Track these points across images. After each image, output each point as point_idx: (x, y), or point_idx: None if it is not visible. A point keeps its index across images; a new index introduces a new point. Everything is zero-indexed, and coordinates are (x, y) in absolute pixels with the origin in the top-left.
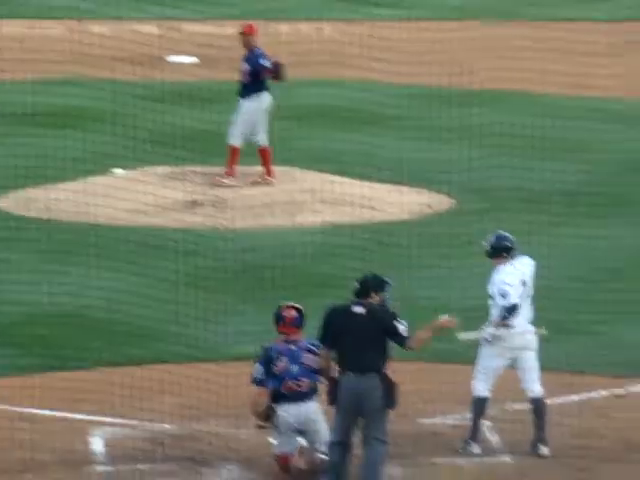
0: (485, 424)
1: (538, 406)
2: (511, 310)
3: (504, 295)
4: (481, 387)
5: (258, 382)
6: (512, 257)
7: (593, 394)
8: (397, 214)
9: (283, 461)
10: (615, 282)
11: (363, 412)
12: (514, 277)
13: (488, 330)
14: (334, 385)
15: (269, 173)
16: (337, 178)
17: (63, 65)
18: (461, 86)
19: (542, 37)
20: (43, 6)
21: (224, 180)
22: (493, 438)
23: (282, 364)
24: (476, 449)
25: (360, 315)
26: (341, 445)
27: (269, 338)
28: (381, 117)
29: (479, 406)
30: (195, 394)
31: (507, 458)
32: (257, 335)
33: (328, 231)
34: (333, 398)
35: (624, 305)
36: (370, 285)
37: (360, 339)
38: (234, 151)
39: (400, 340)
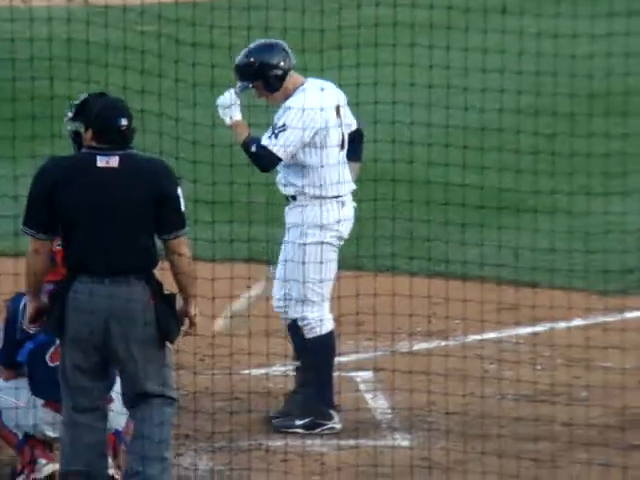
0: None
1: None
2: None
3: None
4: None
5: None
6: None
7: None
8: None
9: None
10: None
11: (112, 346)
12: (307, 113)
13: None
14: (55, 300)
15: None
16: None
17: None
18: None
19: None
20: None
21: None
22: (377, 403)
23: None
24: (337, 421)
25: (112, 172)
26: (92, 410)
27: None
28: None
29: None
30: None
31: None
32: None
33: (78, 15)
34: (56, 321)
35: None
36: (129, 116)
37: (111, 216)
38: None
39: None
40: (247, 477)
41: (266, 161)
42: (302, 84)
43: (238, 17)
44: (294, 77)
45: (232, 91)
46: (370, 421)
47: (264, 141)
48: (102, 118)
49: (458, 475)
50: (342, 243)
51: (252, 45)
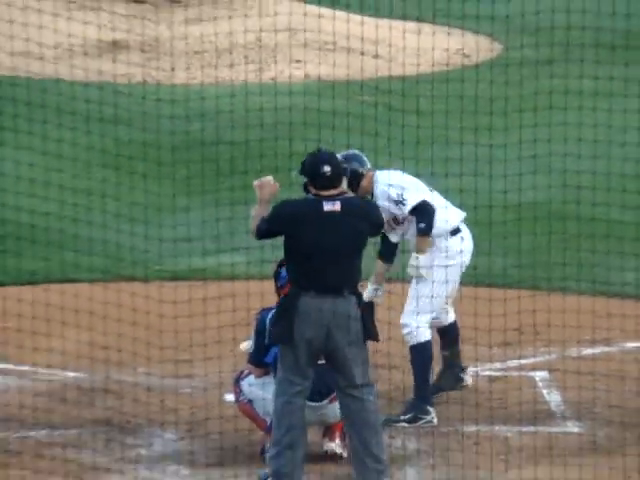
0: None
1: (456, 331)
2: (424, 210)
3: (401, 202)
4: (426, 326)
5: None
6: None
7: None
8: (415, 65)
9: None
10: None
11: (333, 348)
12: (395, 176)
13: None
14: (283, 313)
15: None
16: (327, 11)
17: None
18: None
19: None
20: None
21: None
22: (551, 397)
23: None
24: (434, 416)
25: (335, 214)
26: (302, 393)
27: (223, 248)
28: None
29: (427, 354)
30: (114, 327)
31: (573, 426)
32: (205, 242)
33: (313, 90)
34: (285, 331)
35: None
36: (342, 168)
37: (333, 247)
38: None
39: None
40: (446, 457)
41: (429, 211)
42: (373, 176)
43: (438, 88)
44: (367, 175)
45: None
46: (546, 412)
47: (410, 206)
48: (311, 168)
49: (619, 456)
50: (463, 270)
51: (339, 155)
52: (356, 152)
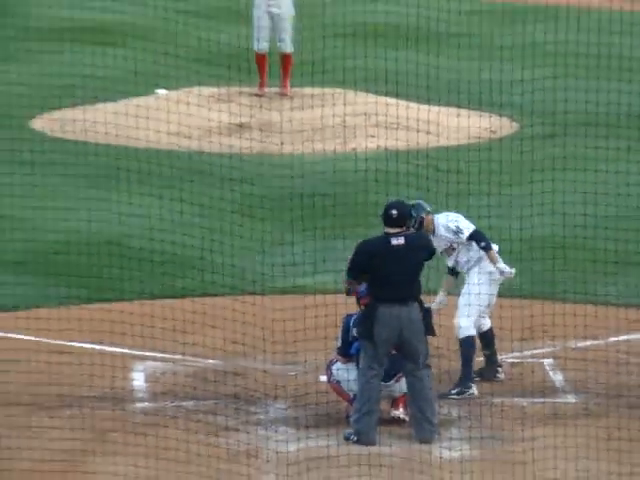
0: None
1: (492, 335)
2: (480, 235)
3: (459, 231)
4: (472, 326)
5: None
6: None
7: None
8: (456, 138)
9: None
10: None
11: (404, 341)
12: (452, 215)
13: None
14: (365, 318)
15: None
16: (392, 100)
17: None
18: (523, 2)
19: None
20: None
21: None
22: (555, 377)
23: None
24: (475, 390)
25: (401, 246)
26: (378, 376)
27: (319, 270)
28: (439, 35)
29: (472, 345)
30: (240, 328)
31: (571, 398)
32: (306, 267)
33: (382, 157)
34: (368, 331)
35: None
36: (407, 212)
37: (401, 269)
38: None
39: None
40: (479, 420)
41: (483, 234)
42: (433, 218)
43: (473, 155)
44: (428, 218)
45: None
46: (551, 388)
47: (468, 234)
48: (384, 212)
49: (603, 418)
50: (500, 284)
51: (412, 202)
52: (420, 201)
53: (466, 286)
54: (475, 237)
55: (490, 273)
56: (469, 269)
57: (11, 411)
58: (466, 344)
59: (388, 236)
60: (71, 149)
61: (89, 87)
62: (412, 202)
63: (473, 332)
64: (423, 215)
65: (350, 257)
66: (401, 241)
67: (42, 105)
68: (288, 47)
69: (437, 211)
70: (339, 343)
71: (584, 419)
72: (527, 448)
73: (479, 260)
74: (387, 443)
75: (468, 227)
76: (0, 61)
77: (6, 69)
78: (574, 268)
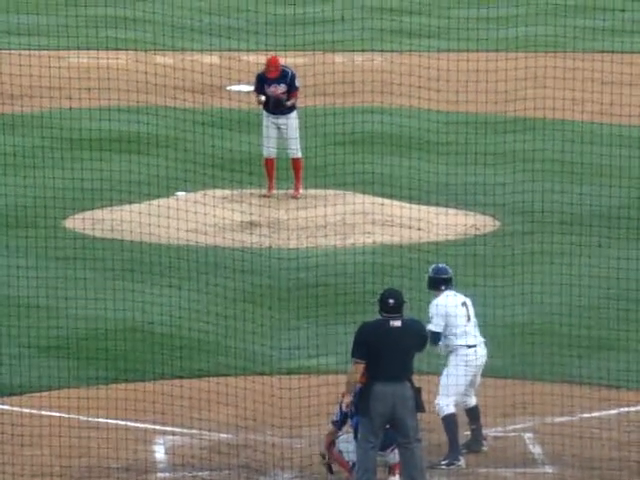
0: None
1: (478, 412)
2: (432, 337)
3: (429, 321)
4: (451, 404)
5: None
6: (448, 288)
7: (632, 409)
8: (444, 235)
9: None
10: None
11: (396, 417)
12: (441, 307)
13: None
14: (363, 395)
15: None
16: (387, 201)
17: (128, 94)
18: (503, 113)
19: (582, 67)
20: (109, 37)
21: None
22: (535, 450)
23: None
24: (463, 462)
25: (397, 328)
26: (374, 448)
27: (322, 353)
28: (429, 143)
29: (453, 422)
30: (251, 405)
31: (549, 469)
32: (310, 350)
33: (378, 251)
34: (365, 407)
35: None
36: (402, 300)
37: (396, 350)
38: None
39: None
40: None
41: (432, 338)
42: (444, 294)
43: (459, 249)
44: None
45: None
46: (531, 459)
47: (430, 327)
48: (382, 300)
49: None
50: (477, 370)
51: (431, 268)
52: (444, 266)
53: (446, 368)
54: (429, 332)
55: (467, 359)
56: (448, 353)
57: None
58: (447, 421)
59: (387, 319)
60: (99, 245)
61: (116, 190)
62: (434, 267)
63: (452, 410)
64: (444, 277)
65: (353, 338)
66: (398, 324)
67: (74, 206)
68: (296, 153)
69: (456, 287)
70: (336, 417)
71: None
72: None
73: (456, 348)
74: None
75: (435, 324)
76: (37, 167)
77: (41, 174)
78: (550, 351)
